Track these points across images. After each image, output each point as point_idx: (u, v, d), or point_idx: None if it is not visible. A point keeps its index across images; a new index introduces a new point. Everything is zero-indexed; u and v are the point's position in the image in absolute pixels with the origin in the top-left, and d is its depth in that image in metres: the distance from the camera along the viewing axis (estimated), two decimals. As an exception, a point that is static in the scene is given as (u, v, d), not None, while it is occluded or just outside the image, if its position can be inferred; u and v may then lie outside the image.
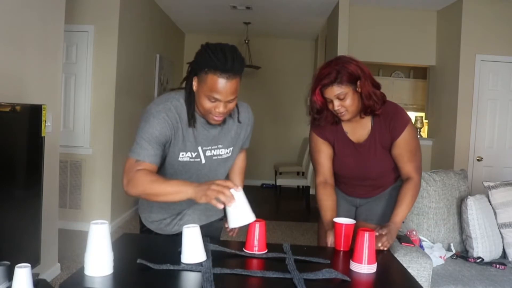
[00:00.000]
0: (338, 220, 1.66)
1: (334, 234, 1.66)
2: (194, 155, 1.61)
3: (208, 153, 1.64)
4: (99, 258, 1.24)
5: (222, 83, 1.42)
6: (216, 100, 1.45)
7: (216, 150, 1.65)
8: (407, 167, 1.87)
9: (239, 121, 1.69)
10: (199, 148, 1.61)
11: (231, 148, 1.70)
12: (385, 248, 1.66)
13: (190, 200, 1.44)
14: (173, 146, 1.56)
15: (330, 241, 1.73)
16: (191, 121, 1.55)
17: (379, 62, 5.88)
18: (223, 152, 1.68)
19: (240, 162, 1.94)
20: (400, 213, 1.82)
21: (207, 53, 1.43)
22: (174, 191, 1.44)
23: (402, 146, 1.85)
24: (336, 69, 1.72)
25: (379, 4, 5.40)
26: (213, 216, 1.87)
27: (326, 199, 1.92)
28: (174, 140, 1.55)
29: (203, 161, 1.63)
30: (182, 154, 1.59)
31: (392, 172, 1.95)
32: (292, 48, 7.91)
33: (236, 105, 1.65)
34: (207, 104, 1.47)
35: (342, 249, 1.61)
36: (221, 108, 1.47)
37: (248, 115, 1.76)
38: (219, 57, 1.41)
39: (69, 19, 3.53)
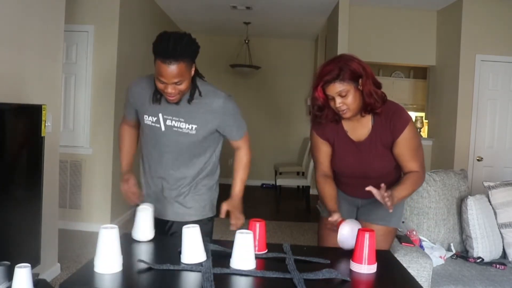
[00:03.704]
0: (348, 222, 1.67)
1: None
2: (154, 119, 1.82)
3: (168, 122, 1.81)
4: (110, 257, 1.29)
5: (165, 68, 1.60)
6: (163, 82, 1.65)
7: (177, 122, 1.80)
8: (409, 165, 1.87)
9: (191, 100, 1.78)
10: (160, 115, 1.81)
11: (194, 126, 1.80)
12: (388, 201, 1.65)
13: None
14: (139, 108, 1.87)
15: (334, 218, 1.75)
16: (154, 98, 1.80)
17: (379, 62, 5.88)
18: (184, 126, 1.80)
19: (239, 157, 2.00)
20: (400, 191, 1.78)
21: (156, 41, 1.63)
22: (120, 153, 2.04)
23: (403, 145, 1.85)
24: (339, 66, 1.73)
25: (379, 4, 5.40)
26: (202, 214, 1.93)
27: (327, 188, 1.97)
28: (138, 103, 1.87)
29: (163, 128, 1.82)
30: (146, 117, 1.84)
31: (393, 172, 1.94)
32: (292, 48, 7.91)
33: (197, 87, 1.78)
34: (159, 85, 1.68)
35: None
36: (169, 89, 1.66)
37: (218, 102, 1.81)
38: (162, 45, 1.60)
39: (69, 19, 3.53)
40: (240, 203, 1.95)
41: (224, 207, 1.88)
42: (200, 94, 1.79)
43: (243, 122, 1.95)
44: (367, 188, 1.69)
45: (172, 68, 1.59)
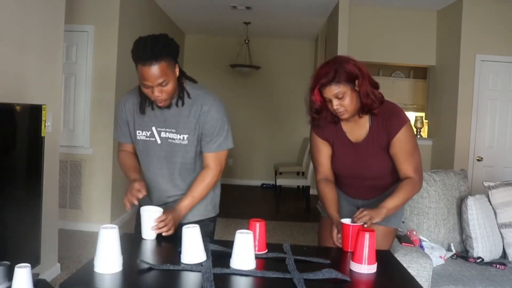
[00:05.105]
0: (345, 221, 1.68)
1: (342, 234, 1.67)
2: (148, 134, 1.78)
3: (163, 135, 1.77)
4: (110, 257, 1.28)
5: (146, 71, 1.56)
6: (148, 86, 1.60)
7: (170, 134, 1.76)
8: (404, 167, 1.85)
9: (181, 104, 1.73)
10: (153, 128, 1.77)
11: (185, 136, 1.75)
12: (361, 222, 1.65)
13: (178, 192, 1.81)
14: (131, 126, 1.83)
15: (335, 236, 1.73)
16: (140, 108, 1.76)
17: (379, 62, 5.88)
18: (176, 137, 1.76)
19: (203, 175, 1.79)
20: (391, 201, 1.78)
21: (133, 48, 1.59)
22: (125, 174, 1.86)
23: (398, 146, 1.84)
24: (334, 68, 1.74)
25: (379, 4, 5.40)
26: (204, 214, 1.90)
27: (328, 191, 1.94)
28: (130, 120, 1.82)
29: (159, 141, 1.77)
30: (139, 133, 1.80)
31: (391, 173, 1.94)
32: (292, 48, 7.91)
33: (185, 89, 1.72)
34: (145, 90, 1.64)
35: (350, 250, 1.60)
36: (155, 93, 1.62)
37: (206, 107, 1.73)
38: (140, 48, 1.57)
39: (69, 19, 3.53)
40: (179, 219, 1.72)
41: (161, 216, 1.65)
42: (189, 96, 1.73)
43: (229, 137, 1.81)
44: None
45: (154, 69, 1.55)
